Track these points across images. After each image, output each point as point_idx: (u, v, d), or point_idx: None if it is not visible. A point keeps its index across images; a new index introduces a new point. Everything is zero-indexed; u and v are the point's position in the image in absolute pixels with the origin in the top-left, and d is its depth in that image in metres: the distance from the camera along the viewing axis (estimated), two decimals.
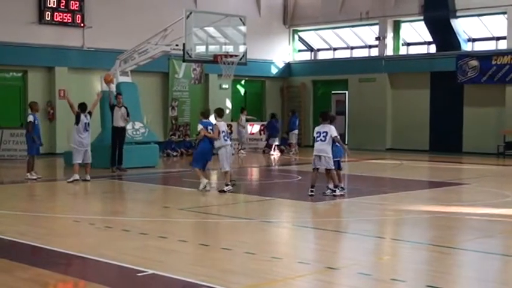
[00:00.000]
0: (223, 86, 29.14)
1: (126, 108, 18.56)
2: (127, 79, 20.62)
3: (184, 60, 19.85)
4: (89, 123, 16.27)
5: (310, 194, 13.41)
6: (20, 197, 14.11)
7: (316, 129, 13.62)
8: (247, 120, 27.19)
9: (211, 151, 14.24)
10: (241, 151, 26.24)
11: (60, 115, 24.07)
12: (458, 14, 26.79)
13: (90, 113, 16.45)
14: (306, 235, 10.21)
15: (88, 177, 16.03)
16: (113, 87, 19.27)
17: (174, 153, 24.76)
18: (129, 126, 19.22)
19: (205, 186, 14.22)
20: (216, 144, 14.12)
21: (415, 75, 28.04)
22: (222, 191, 14.05)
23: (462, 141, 26.76)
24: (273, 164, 23.28)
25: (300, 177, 18.05)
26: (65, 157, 20.21)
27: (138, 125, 20.10)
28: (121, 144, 18.64)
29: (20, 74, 24.44)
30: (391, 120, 28.91)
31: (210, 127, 14.20)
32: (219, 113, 14.67)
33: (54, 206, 13.06)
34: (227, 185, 14.12)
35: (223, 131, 14.14)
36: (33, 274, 7.28)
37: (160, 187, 16.42)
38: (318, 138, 13.44)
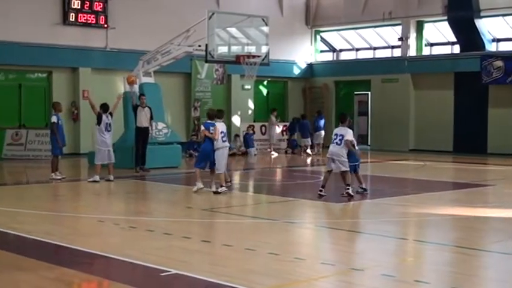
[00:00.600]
0: (246, 87, 29.18)
1: (150, 108, 18.66)
2: (150, 80, 20.72)
3: (206, 61, 19.89)
4: (110, 124, 16.38)
5: (319, 193, 13.36)
6: (45, 197, 14.25)
7: (335, 131, 13.62)
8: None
9: (213, 152, 14.16)
10: (273, 152, 26.10)
11: (84, 115, 24.24)
12: (482, 14, 26.55)
13: (111, 114, 16.55)
14: (328, 236, 10.19)
15: (111, 178, 16.14)
16: (136, 87, 19.37)
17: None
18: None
19: (198, 190, 14.14)
20: (214, 145, 14.08)
21: (438, 75, 27.84)
22: (216, 192, 13.95)
23: (487, 142, 26.50)
24: (296, 165, 23.25)
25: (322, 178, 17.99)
26: (89, 157, 20.41)
27: (160, 125, 20.18)
28: (144, 145, 18.74)
29: (44, 75, 24.67)
30: (414, 120, 28.72)
31: (212, 128, 14.15)
32: (219, 114, 14.60)
33: (78, 206, 13.17)
34: (221, 186, 14.02)
35: (222, 132, 14.06)
36: (59, 273, 7.35)
37: (183, 187, 16.46)
38: (334, 141, 13.43)
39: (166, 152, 19.88)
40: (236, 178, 18.99)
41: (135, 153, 18.67)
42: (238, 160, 24.27)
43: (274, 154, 25.95)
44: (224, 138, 14.11)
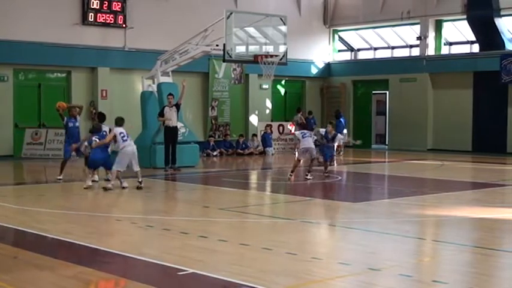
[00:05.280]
0: (264, 86, 29.17)
1: (177, 106, 18.80)
2: (168, 79, 20.78)
3: (224, 60, 19.92)
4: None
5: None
6: (63, 196, 14.33)
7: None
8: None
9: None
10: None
11: None
12: (502, 12, 26.37)
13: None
14: (346, 235, 10.16)
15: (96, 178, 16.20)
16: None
17: (214, 153, 24.90)
18: None
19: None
20: (114, 147, 14.61)
21: (457, 75, 27.65)
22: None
23: (506, 141, 26.29)
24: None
25: (339, 178, 17.97)
26: None
27: (178, 124, 20.24)
28: (174, 144, 18.88)
29: (64, 75, 24.81)
30: (432, 120, 28.56)
31: (95, 138, 14.95)
32: (118, 121, 15.10)
33: (96, 205, 13.24)
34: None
35: (121, 133, 14.48)
36: (76, 272, 7.40)
37: (200, 187, 16.51)
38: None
39: (183, 151, 19.92)
40: (254, 177, 19.02)
41: (165, 152, 18.82)
42: (256, 159, 24.27)
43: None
44: (125, 138, 14.49)
